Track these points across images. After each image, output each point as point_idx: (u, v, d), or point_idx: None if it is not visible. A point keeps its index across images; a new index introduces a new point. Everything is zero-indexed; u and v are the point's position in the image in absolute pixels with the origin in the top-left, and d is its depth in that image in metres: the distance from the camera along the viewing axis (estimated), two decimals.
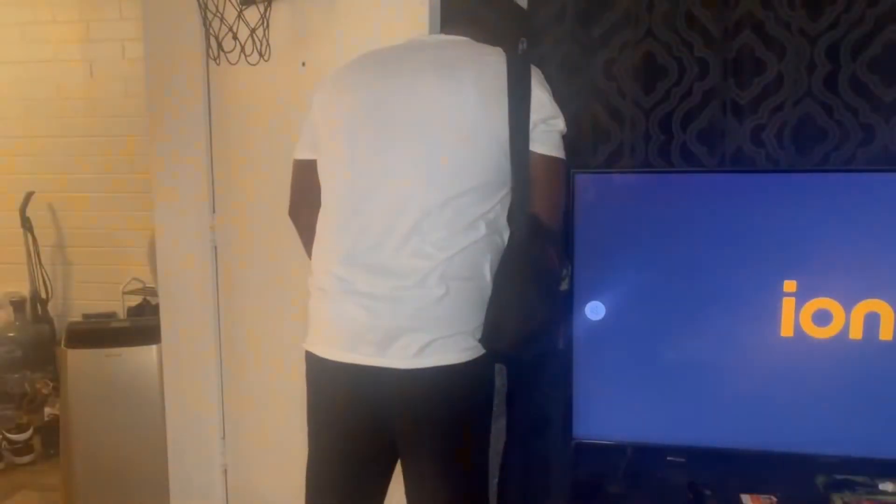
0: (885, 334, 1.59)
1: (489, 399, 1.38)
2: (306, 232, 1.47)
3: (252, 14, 1.88)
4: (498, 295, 1.33)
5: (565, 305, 1.67)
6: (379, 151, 1.35)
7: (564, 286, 1.39)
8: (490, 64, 1.33)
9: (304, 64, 1.89)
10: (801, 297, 1.61)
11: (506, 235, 1.36)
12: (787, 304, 1.62)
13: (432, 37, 1.49)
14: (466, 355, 1.31)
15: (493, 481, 1.48)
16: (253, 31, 1.86)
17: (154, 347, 2.51)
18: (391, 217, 1.32)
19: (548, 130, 1.34)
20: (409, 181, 1.32)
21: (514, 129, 1.31)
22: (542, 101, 1.32)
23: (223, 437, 2.29)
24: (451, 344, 1.31)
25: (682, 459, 1.77)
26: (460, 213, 1.30)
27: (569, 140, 1.79)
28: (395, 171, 1.33)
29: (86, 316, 3.65)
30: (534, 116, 1.32)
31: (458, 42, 1.41)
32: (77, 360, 2.58)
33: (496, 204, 1.33)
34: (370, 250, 1.33)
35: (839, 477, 1.69)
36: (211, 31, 1.92)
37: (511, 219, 1.36)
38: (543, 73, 1.38)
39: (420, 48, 1.42)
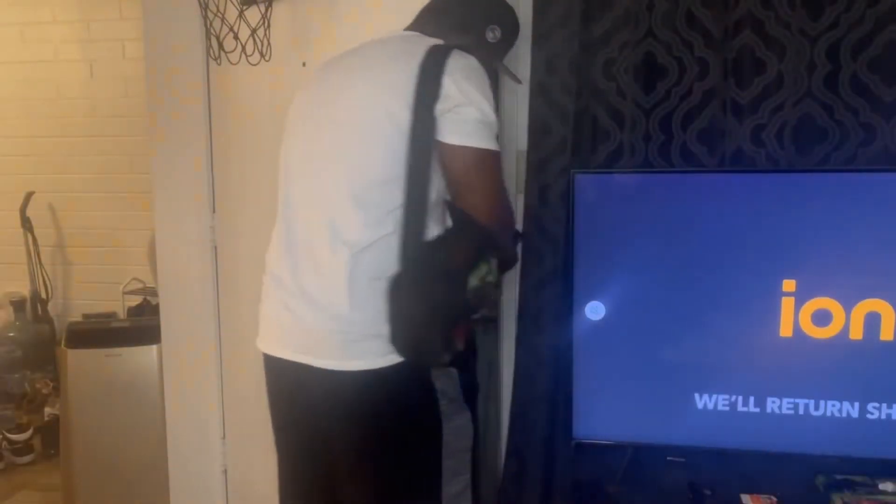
0: (885, 335, 1.59)
1: (416, 405, 1.35)
2: None
3: (253, 14, 1.88)
4: (392, 305, 1.30)
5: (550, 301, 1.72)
6: (304, 151, 1.40)
7: (474, 281, 1.31)
8: (411, 57, 1.31)
9: (304, 64, 1.89)
10: (801, 296, 1.61)
11: (428, 234, 1.32)
12: (787, 304, 1.62)
13: (388, 33, 1.46)
14: (380, 361, 1.29)
15: (461, 478, 1.48)
16: (254, 31, 1.87)
17: (154, 347, 2.51)
18: (311, 216, 1.36)
19: (457, 119, 1.28)
20: (323, 179, 1.35)
21: (413, 119, 1.28)
22: (449, 90, 1.27)
23: (223, 437, 2.29)
24: (365, 348, 1.29)
25: (682, 459, 1.78)
26: (369, 210, 1.29)
27: (569, 140, 1.79)
28: (313, 169, 1.37)
29: (86, 316, 3.65)
30: (439, 106, 1.27)
31: (404, 37, 1.41)
32: (77, 360, 2.58)
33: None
34: (296, 248, 1.37)
35: (839, 477, 1.69)
36: (212, 31, 1.92)
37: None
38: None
39: (367, 46, 1.42)
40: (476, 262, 1.32)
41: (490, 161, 1.32)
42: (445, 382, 1.41)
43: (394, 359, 1.29)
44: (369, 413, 1.32)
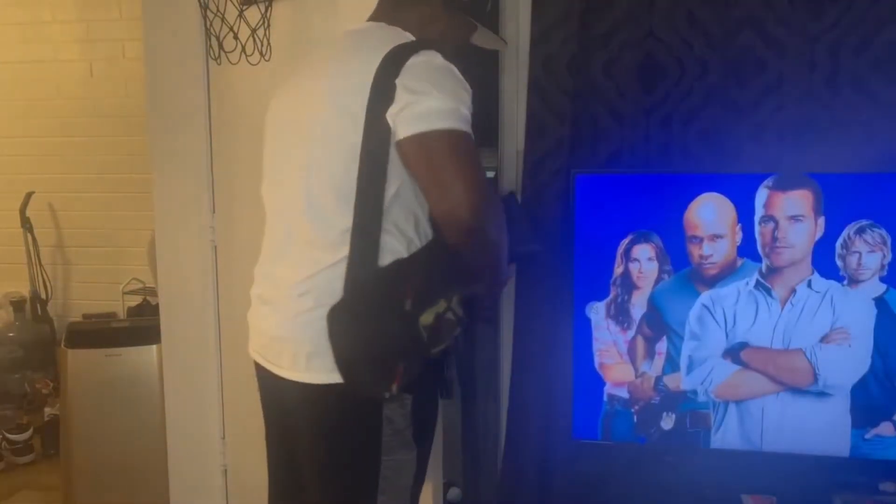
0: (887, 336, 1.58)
1: (356, 428, 1.29)
2: None
3: (253, 14, 1.88)
4: (331, 334, 1.25)
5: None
6: (274, 157, 1.40)
7: (429, 318, 1.22)
8: (372, 54, 1.23)
9: None
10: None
11: (398, 247, 1.25)
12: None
13: (355, 26, 1.39)
14: (325, 377, 1.26)
15: None
16: (254, 31, 1.87)
17: (154, 347, 2.52)
18: (277, 223, 1.38)
19: (408, 115, 1.18)
20: (285, 188, 1.35)
21: (367, 124, 1.21)
22: (401, 93, 1.18)
23: (223, 437, 2.29)
24: (312, 363, 1.27)
25: (683, 459, 1.77)
26: (325, 226, 1.26)
27: (565, 140, 1.78)
28: (279, 177, 1.38)
29: (86, 316, 3.65)
30: (391, 110, 1.19)
31: (366, 31, 1.34)
32: (77, 360, 2.59)
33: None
34: (268, 256, 1.41)
35: (839, 477, 1.69)
36: (212, 31, 1.92)
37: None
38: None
39: (332, 42, 1.39)
40: (433, 298, 1.23)
41: (453, 142, 1.18)
42: (394, 410, 1.28)
43: (339, 377, 1.26)
44: (315, 427, 1.33)
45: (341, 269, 1.24)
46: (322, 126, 1.27)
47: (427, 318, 1.22)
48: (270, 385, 1.40)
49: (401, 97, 1.19)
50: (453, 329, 1.27)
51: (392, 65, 1.20)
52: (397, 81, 1.19)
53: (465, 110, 1.21)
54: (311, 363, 1.28)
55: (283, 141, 1.39)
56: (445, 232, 1.22)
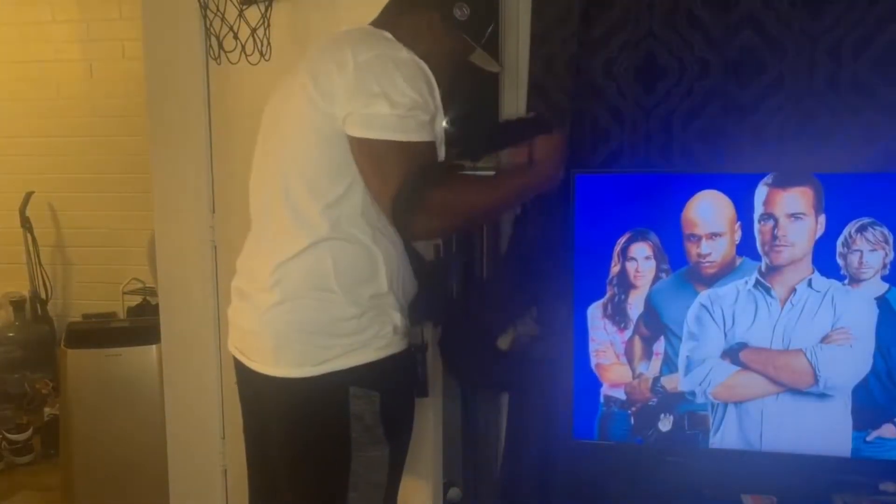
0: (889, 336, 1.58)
1: (323, 423, 1.33)
2: None
3: (253, 14, 1.88)
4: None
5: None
6: (260, 153, 1.48)
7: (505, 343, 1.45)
8: (341, 54, 1.29)
9: None
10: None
11: (363, 238, 1.31)
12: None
13: (347, 28, 1.46)
14: (293, 371, 1.30)
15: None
16: (254, 30, 1.87)
17: (154, 347, 2.52)
18: (259, 217, 1.44)
19: (364, 113, 1.26)
20: (267, 183, 1.41)
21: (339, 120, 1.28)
22: (356, 88, 1.25)
23: (223, 438, 2.29)
24: (282, 357, 1.31)
25: (683, 459, 1.77)
26: (295, 214, 1.31)
27: (569, 140, 1.78)
28: (262, 171, 1.45)
29: (86, 316, 3.65)
30: (348, 107, 1.26)
31: (351, 32, 1.40)
32: (77, 360, 2.58)
33: (337, 202, 1.29)
34: (247, 248, 1.45)
35: (839, 477, 1.69)
36: (212, 30, 1.92)
37: None
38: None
39: (320, 43, 1.43)
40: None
41: (392, 152, 1.25)
42: (362, 407, 1.31)
43: (308, 371, 1.29)
44: (283, 419, 1.35)
45: (307, 261, 1.29)
46: (295, 121, 1.33)
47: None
48: (246, 379, 1.42)
49: (356, 94, 1.25)
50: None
51: (352, 57, 1.26)
52: (353, 74, 1.25)
53: (420, 113, 1.26)
54: (277, 357, 1.31)
55: (266, 137, 1.45)
56: None
